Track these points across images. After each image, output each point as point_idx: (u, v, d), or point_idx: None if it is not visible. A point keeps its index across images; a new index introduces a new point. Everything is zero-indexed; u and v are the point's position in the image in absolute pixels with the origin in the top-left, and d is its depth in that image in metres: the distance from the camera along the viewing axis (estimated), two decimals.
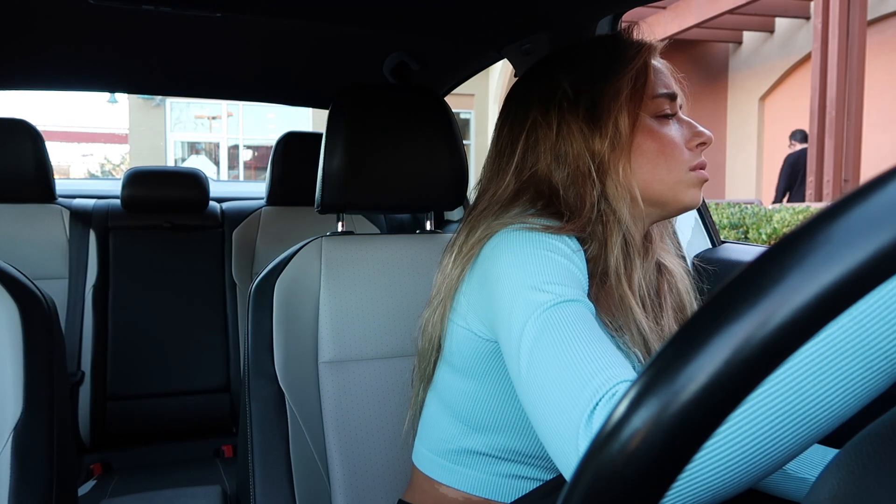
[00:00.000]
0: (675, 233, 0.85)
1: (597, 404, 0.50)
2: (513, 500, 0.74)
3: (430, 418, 0.82)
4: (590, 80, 0.73)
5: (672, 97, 0.74)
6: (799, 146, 6.51)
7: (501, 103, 0.83)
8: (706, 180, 0.75)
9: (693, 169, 0.73)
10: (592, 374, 0.52)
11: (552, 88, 0.74)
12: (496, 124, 0.81)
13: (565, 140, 0.72)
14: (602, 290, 0.72)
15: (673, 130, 0.73)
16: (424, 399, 0.85)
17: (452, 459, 0.78)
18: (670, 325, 0.77)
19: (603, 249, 0.71)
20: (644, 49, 0.73)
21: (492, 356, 0.72)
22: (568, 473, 0.51)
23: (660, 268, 0.80)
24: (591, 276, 0.70)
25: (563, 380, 0.54)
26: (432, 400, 0.83)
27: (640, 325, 0.70)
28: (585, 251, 0.70)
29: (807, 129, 5.87)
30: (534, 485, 0.75)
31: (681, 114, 0.76)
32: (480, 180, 0.81)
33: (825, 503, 0.28)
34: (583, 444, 0.50)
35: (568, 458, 0.51)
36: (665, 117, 0.73)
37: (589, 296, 0.66)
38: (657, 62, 0.75)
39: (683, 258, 0.84)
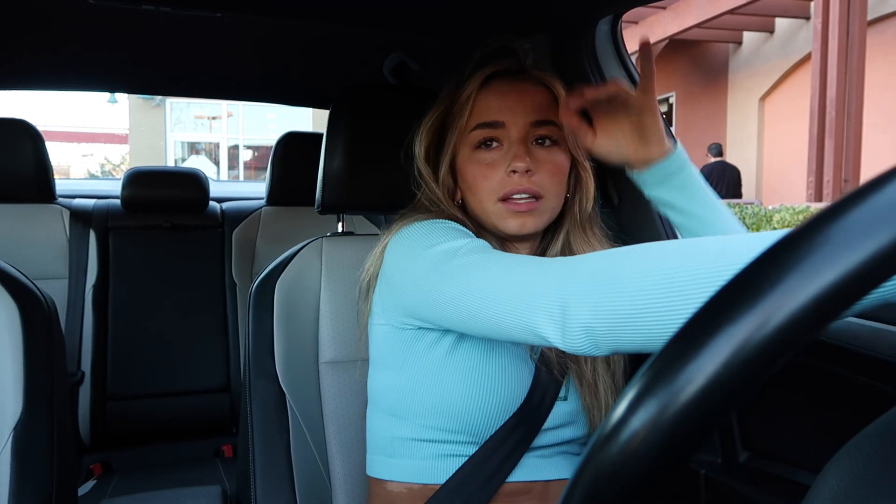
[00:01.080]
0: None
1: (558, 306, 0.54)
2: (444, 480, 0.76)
3: (368, 422, 0.87)
4: (439, 115, 0.83)
5: (493, 125, 0.77)
6: (713, 159, 6.62)
7: None
8: (521, 212, 0.77)
9: (503, 200, 0.77)
10: (541, 275, 0.57)
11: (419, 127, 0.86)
12: None
13: (420, 166, 0.85)
14: None
15: (488, 159, 0.78)
16: None
17: (387, 453, 0.81)
18: None
19: None
20: (469, 83, 0.79)
21: (411, 342, 0.77)
22: (565, 330, 0.54)
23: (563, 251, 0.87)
24: None
25: (512, 267, 0.60)
26: (369, 405, 0.87)
27: None
28: None
29: (807, 130, 5.87)
30: (462, 457, 0.77)
31: (514, 138, 0.78)
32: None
33: (826, 503, 0.28)
34: (573, 291, 0.53)
35: (541, 326, 0.55)
36: (485, 147, 0.78)
37: None
38: (495, 87, 0.79)
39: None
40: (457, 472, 0.76)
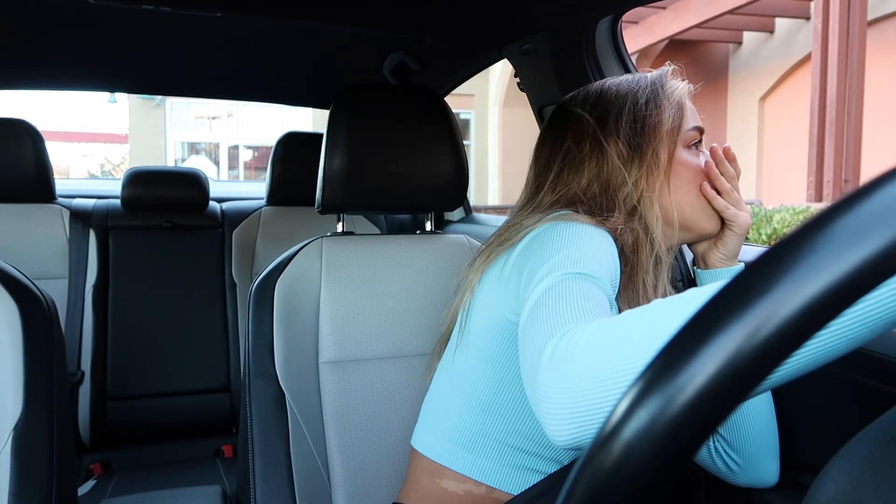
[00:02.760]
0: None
1: (556, 336, 0.53)
2: (517, 492, 0.74)
3: (441, 404, 0.82)
4: (631, 112, 0.80)
5: (701, 130, 0.83)
6: None
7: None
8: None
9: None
10: (570, 320, 0.55)
11: (583, 119, 0.82)
12: (534, 150, 0.88)
13: (600, 163, 0.80)
14: (624, 298, 0.76)
15: (701, 161, 0.82)
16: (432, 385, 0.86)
17: (464, 446, 0.77)
18: None
19: (633, 259, 0.76)
20: (680, 89, 0.83)
21: (517, 340, 0.73)
22: (535, 407, 0.52)
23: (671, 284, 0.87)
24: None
25: (546, 323, 0.56)
26: (445, 385, 0.83)
27: None
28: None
29: (807, 130, 5.86)
30: (539, 478, 0.75)
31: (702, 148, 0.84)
32: (519, 200, 0.88)
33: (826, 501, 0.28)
34: (540, 374, 0.51)
35: (532, 392, 0.52)
36: (695, 147, 0.83)
37: (617, 298, 0.72)
38: (688, 101, 0.84)
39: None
40: (531, 487, 0.73)
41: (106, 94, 10.31)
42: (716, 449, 0.83)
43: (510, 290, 0.73)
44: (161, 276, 1.93)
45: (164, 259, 1.95)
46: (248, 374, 0.94)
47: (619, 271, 0.70)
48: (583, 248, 0.65)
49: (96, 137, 15.00)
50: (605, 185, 0.79)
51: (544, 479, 0.73)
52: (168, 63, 1.62)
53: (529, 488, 0.73)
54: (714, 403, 0.21)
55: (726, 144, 0.84)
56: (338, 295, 1.00)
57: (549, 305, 0.58)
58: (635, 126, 0.79)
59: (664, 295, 0.77)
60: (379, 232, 2.10)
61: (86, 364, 1.82)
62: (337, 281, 1.00)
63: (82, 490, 1.66)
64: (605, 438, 0.23)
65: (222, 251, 1.99)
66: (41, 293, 0.84)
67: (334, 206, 1.03)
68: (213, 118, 11.69)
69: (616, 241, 0.74)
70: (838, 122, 5.42)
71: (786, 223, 4.03)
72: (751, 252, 1.07)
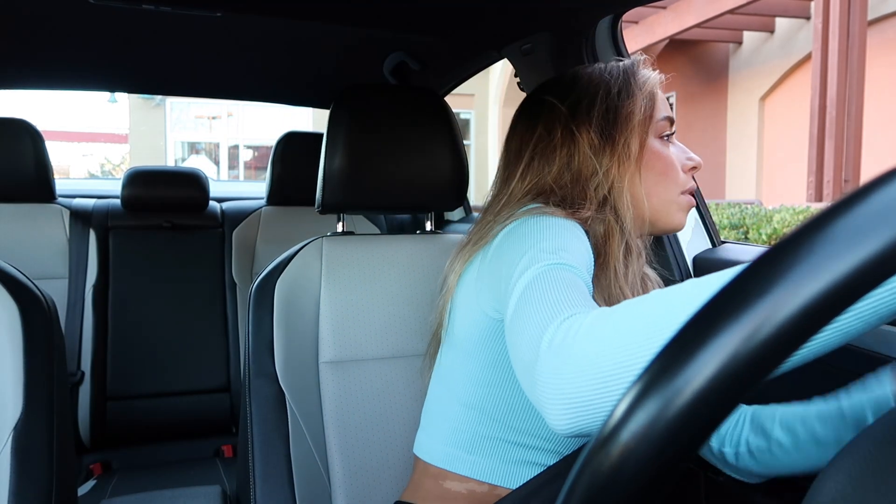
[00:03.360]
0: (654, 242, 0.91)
1: (552, 326, 0.53)
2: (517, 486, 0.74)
3: (438, 408, 0.83)
4: (604, 101, 0.79)
5: (672, 121, 0.82)
6: None
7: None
8: (693, 206, 0.82)
9: (684, 192, 0.81)
10: (561, 309, 0.55)
11: (556, 108, 0.81)
12: (505, 139, 0.87)
13: (571, 153, 0.79)
14: (597, 286, 0.75)
15: (673, 152, 0.81)
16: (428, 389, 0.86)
17: (465, 448, 0.78)
18: None
19: (604, 248, 0.75)
20: (652, 79, 0.82)
21: (502, 337, 0.74)
22: (533, 398, 0.52)
23: (643, 276, 0.85)
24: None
25: (537, 314, 0.56)
26: (438, 386, 0.83)
27: None
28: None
29: (807, 130, 5.86)
30: (539, 471, 0.75)
31: (674, 138, 0.83)
32: (490, 190, 0.86)
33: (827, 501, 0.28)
34: (539, 365, 0.51)
35: (531, 383, 0.52)
36: (667, 138, 0.81)
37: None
38: (659, 91, 0.83)
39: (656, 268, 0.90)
40: (531, 480, 0.73)
41: (106, 94, 10.32)
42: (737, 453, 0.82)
43: (489, 288, 0.73)
44: (161, 276, 1.93)
45: (164, 259, 1.95)
46: (248, 374, 0.94)
47: (592, 261, 0.70)
48: (557, 240, 0.66)
49: (96, 137, 15.00)
50: (576, 175, 0.78)
51: (543, 471, 0.73)
52: (168, 63, 1.62)
53: (529, 481, 0.73)
54: (712, 406, 0.22)
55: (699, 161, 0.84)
56: (338, 295, 1.00)
57: (536, 297, 0.58)
58: (608, 115, 0.78)
59: (636, 284, 0.78)
60: (379, 232, 2.10)
61: (86, 364, 1.82)
62: (337, 281, 1.00)
63: (82, 490, 1.66)
64: (603, 441, 0.23)
65: (222, 251, 2.00)
66: (41, 293, 0.84)
67: (334, 205, 1.03)
68: (214, 118, 11.69)
69: (587, 231, 0.74)
70: (838, 122, 5.42)
71: (786, 223, 4.03)
72: (751, 252, 1.07)
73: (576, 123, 0.79)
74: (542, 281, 0.60)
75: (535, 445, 0.76)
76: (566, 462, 0.73)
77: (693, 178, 0.83)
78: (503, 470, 0.76)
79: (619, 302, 0.71)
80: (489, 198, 0.86)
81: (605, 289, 0.75)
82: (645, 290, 0.83)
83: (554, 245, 0.65)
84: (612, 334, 0.47)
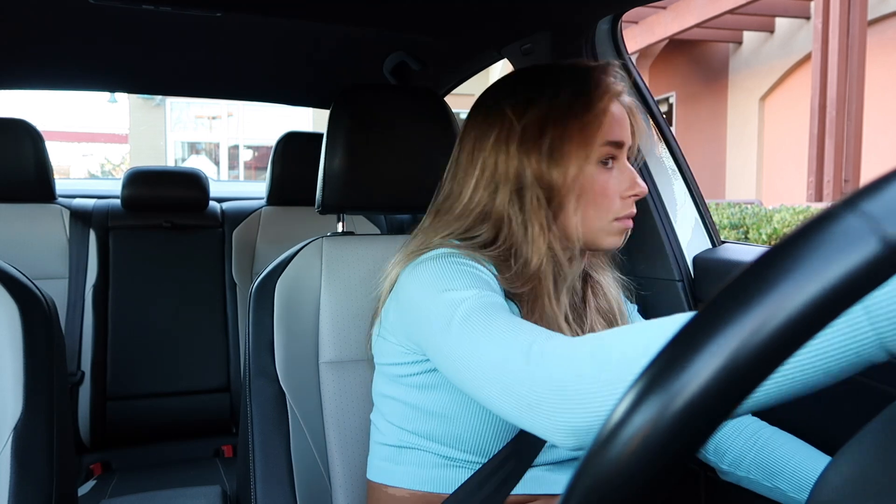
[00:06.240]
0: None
1: (533, 342, 0.56)
2: (453, 489, 0.76)
3: (373, 426, 0.87)
4: (547, 118, 0.75)
5: (619, 145, 0.76)
6: None
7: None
8: (628, 229, 0.78)
9: (619, 219, 0.77)
10: (522, 332, 0.58)
11: (505, 120, 0.77)
12: (455, 147, 0.84)
13: (514, 170, 0.76)
14: (532, 307, 0.75)
15: (612, 179, 0.76)
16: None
17: (393, 459, 0.81)
18: (594, 325, 0.83)
19: (538, 274, 0.75)
20: (607, 96, 0.76)
21: (417, 363, 0.76)
22: (522, 410, 0.54)
23: (585, 277, 0.85)
24: (521, 298, 0.74)
25: (496, 342, 0.58)
26: (374, 409, 0.87)
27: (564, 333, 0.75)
28: (513, 273, 0.74)
29: (807, 130, 5.86)
30: (468, 468, 0.77)
31: (626, 161, 0.78)
32: (442, 187, 0.85)
33: (831, 495, 0.28)
34: (530, 369, 0.54)
35: (532, 419, 0.53)
36: (607, 164, 0.76)
37: (521, 307, 0.74)
38: (617, 107, 0.77)
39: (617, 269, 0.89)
40: (464, 483, 0.75)
41: (106, 94, 10.31)
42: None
43: (398, 329, 0.76)
44: (161, 276, 1.93)
45: (164, 259, 1.95)
46: (248, 374, 0.94)
47: (496, 284, 0.72)
48: (455, 274, 0.68)
49: (96, 137, 14.99)
50: (517, 202, 0.76)
51: (472, 475, 0.75)
52: (168, 63, 1.63)
53: (460, 486, 0.75)
54: (711, 407, 0.22)
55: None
56: (338, 295, 1.00)
57: (483, 331, 0.60)
58: (553, 143, 0.74)
59: (567, 307, 0.78)
60: (379, 232, 2.10)
61: (86, 364, 1.82)
62: (337, 281, 1.00)
63: (82, 490, 1.66)
64: (604, 439, 0.23)
65: (222, 251, 2.00)
66: (41, 293, 0.84)
67: (334, 206, 1.03)
68: (213, 118, 11.69)
69: (516, 256, 0.75)
70: (838, 121, 5.42)
71: (786, 223, 4.04)
72: (751, 252, 1.07)
73: (526, 150, 0.75)
74: (476, 316, 0.62)
75: (454, 457, 0.78)
76: (495, 462, 0.75)
77: (635, 203, 0.77)
78: (432, 475, 0.78)
79: (552, 326, 0.74)
80: (440, 197, 0.83)
81: (538, 312, 0.75)
82: (585, 299, 0.84)
83: (455, 283, 0.67)
84: (585, 361, 0.51)
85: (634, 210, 0.78)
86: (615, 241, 0.78)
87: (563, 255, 0.76)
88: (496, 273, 0.74)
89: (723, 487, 0.88)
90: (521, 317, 0.73)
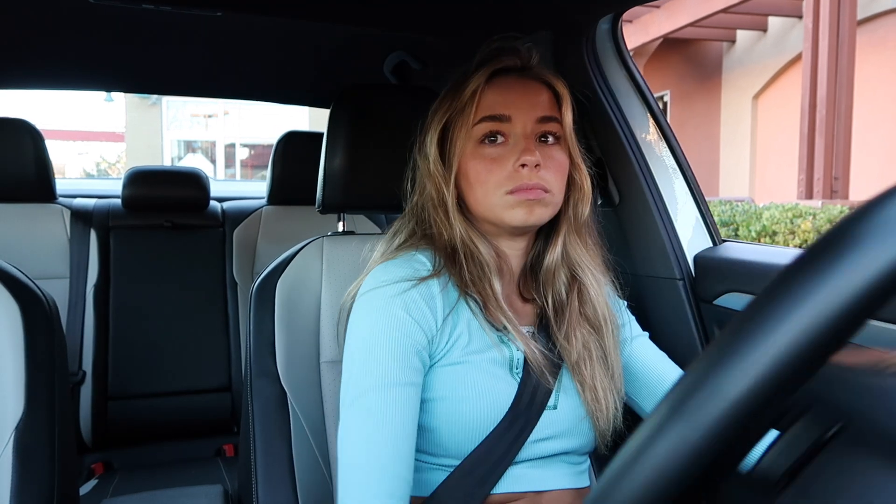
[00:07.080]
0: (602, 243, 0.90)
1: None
2: (430, 492, 0.77)
3: None
4: (437, 111, 0.82)
5: (499, 118, 0.77)
6: None
7: None
8: (529, 199, 0.77)
9: (512, 192, 0.76)
10: (376, 479, 0.68)
11: (425, 121, 0.84)
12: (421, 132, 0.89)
13: (425, 171, 0.82)
14: (475, 290, 0.79)
15: (500, 154, 0.77)
16: None
17: None
18: (577, 328, 0.83)
19: (463, 261, 0.79)
20: (475, 77, 0.79)
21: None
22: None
23: (571, 279, 0.84)
24: (467, 285, 0.78)
25: (361, 463, 0.69)
26: None
27: (513, 323, 0.78)
28: (446, 259, 0.79)
29: (799, 128, 5.88)
30: (444, 470, 0.77)
31: (521, 133, 0.78)
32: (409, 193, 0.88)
33: None
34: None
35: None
36: (490, 141, 0.78)
37: (468, 292, 0.78)
38: (501, 82, 0.79)
39: (609, 270, 0.89)
40: (440, 485, 0.75)
41: (102, 93, 10.27)
42: None
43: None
44: (162, 276, 1.93)
45: (164, 259, 1.94)
46: (249, 373, 0.94)
47: (436, 317, 0.76)
48: (384, 337, 0.74)
49: (92, 136, 14.93)
50: (426, 200, 0.82)
51: (448, 476, 0.76)
52: (168, 63, 1.62)
53: (437, 488, 0.76)
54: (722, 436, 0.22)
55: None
56: (339, 294, 1.00)
57: (358, 438, 0.71)
58: (445, 134, 0.81)
59: (502, 291, 0.80)
60: (379, 231, 2.10)
61: (87, 364, 1.82)
62: (338, 280, 1.00)
63: (84, 490, 1.65)
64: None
65: (223, 251, 1.99)
66: (42, 293, 0.84)
67: (334, 205, 1.03)
68: (210, 116, 11.65)
69: (458, 249, 0.79)
70: (828, 120, 5.44)
71: (774, 220, 4.06)
72: (752, 251, 1.08)
73: (430, 142, 0.82)
74: (364, 415, 0.72)
75: (428, 461, 0.78)
76: (471, 461, 0.75)
77: (529, 172, 0.76)
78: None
79: (498, 311, 0.78)
80: (411, 203, 0.86)
81: (482, 293, 0.78)
82: (569, 300, 0.83)
83: (378, 353, 0.73)
84: None
85: (532, 181, 0.76)
86: (518, 216, 0.77)
87: (476, 236, 0.80)
88: (432, 266, 0.79)
89: (723, 491, 0.88)
90: (473, 310, 0.79)
